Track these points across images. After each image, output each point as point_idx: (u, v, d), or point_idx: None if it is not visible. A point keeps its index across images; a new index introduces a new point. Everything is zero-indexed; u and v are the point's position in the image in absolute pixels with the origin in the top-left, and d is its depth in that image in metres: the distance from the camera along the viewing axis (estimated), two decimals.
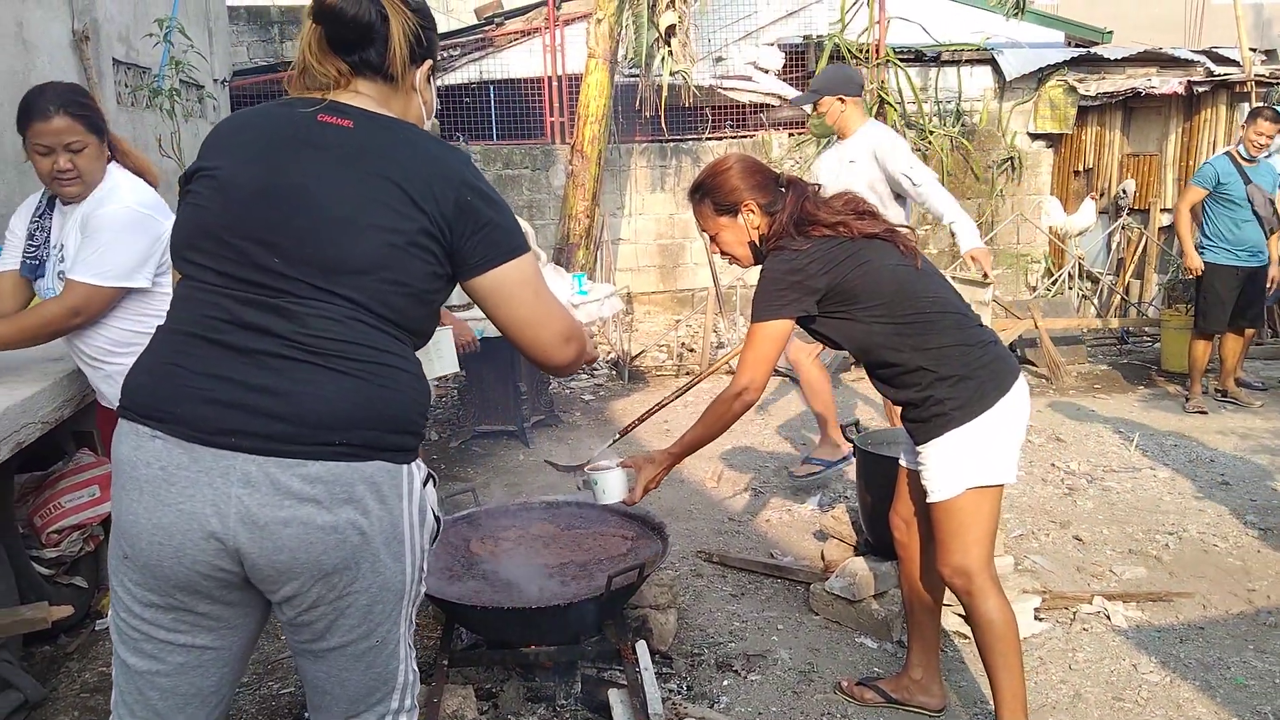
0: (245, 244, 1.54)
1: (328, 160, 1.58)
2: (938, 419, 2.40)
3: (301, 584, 1.54)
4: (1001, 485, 2.44)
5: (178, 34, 6.03)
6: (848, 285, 2.42)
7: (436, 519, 1.70)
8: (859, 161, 4.45)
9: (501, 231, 1.64)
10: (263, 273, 1.54)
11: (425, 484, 1.67)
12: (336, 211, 1.55)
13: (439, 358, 3.20)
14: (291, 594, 1.56)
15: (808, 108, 4.51)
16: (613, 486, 2.64)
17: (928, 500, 2.47)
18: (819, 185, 2.63)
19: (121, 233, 2.77)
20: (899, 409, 2.56)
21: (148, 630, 1.59)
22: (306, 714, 1.76)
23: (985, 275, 4.50)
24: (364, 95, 1.66)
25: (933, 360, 2.40)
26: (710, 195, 2.60)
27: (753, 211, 2.55)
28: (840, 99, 4.49)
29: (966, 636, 3.19)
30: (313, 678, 1.67)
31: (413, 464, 1.63)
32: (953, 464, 2.40)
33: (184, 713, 1.64)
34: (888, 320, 2.42)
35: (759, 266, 2.60)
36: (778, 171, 2.65)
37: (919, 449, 2.48)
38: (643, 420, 3.21)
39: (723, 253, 2.67)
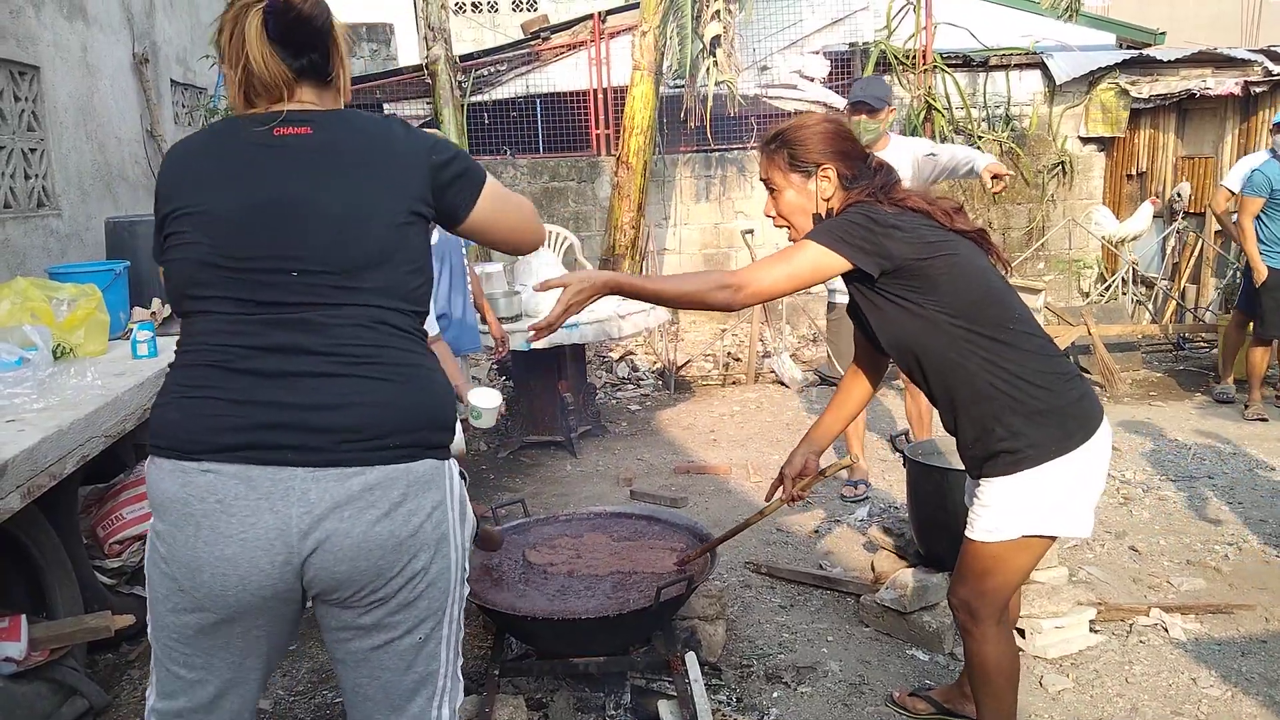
0: (256, 265, 1.56)
1: (302, 166, 1.61)
2: (1007, 455, 2.15)
3: (360, 587, 1.58)
4: (1056, 537, 2.24)
5: None
6: (929, 271, 2.14)
7: (474, 514, 1.78)
8: (901, 170, 4.45)
9: (470, 172, 1.75)
10: (282, 290, 1.56)
11: (462, 479, 1.74)
12: (335, 210, 1.59)
13: (476, 419, 3.30)
14: (349, 597, 1.59)
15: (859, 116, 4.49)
16: (488, 415, 3.17)
17: (966, 534, 2.25)
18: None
19: None
20: (946, 430, 2.33)
21: (191, 656, 1.62)
22: None
23: (1001, 183, 4.44)
24: (306, 103, 1.68)
25: (1007, 383, 2.14)
26: (788, 147, 2.32)
27: (828, 178, 2.29)
28: (891, 110, 4.55)
29: (1020, 650, 3.15)
30: (354, 683, 1.70)
31: (452, 460, 1.70)
32: (1013, 507, 2.16)
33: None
34: (964, 325, 2.14)
35: None
36: (869, 152, 2.40)
37: (979, 482, 2.24)
38: (728, 538, 3.06)
39: (779, 216, 2.38)
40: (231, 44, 1.64)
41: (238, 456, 1.51)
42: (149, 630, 1.67)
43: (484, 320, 4.69)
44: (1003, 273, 2.28)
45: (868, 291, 2.24)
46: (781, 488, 2.63)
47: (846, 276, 2.22)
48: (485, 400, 3.27)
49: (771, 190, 2.38)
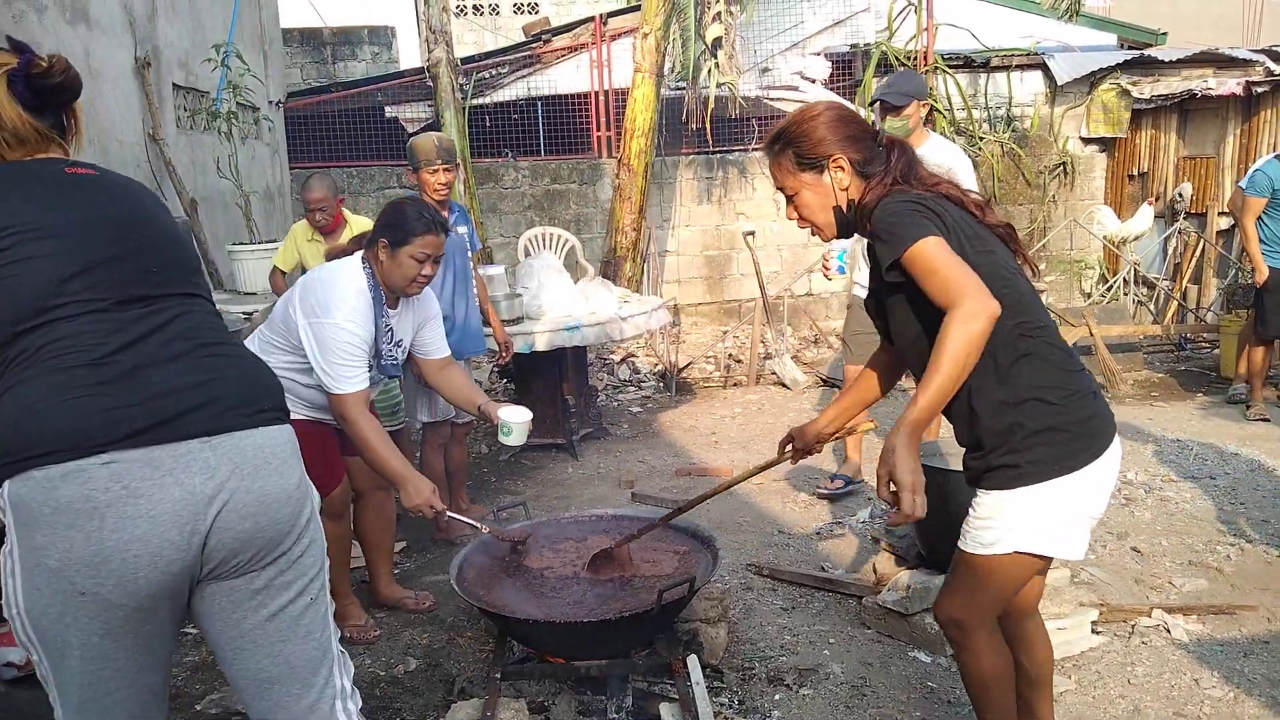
0: (118, 267, 1.68)
1: (103, 195, 1.75)
2: (1008, 470, 2.05)
3: (260, 546, 1.69)
4: (1052, 557, 2.14)
5: (234, 58, 6.19)
6: (969, 265, 1.97)
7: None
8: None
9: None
10: (146, 286, 1.70)
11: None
12: (163, 222, 1.81)
13: (506, 435, 3.35)
14: (247, 560, 1.68)
15: (886, 115, 4.36)
16: (518, 430, 3.30)
17: (960, 545, 2.15)
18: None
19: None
20: (958, 440, 2.20)
21: (105, 655, 1.62)
22: None
23: None
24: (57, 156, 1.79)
25: (1019, 395, 2.03)
26: (793, 145, 2.17)
27: (841, 169, 2.14)
28: (924, 104, 4.36)
29: None
30: (255, 671, 1.76)
31: None
32: (1009, 521, 2.07)
33: (144, 710, 1.70)
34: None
35: (841, 242, 2.31)
36: (877, 129, 2.25)
37: (976, 493, 2.14)
38: (693, 505, 3.06)
39: (801, 218, 2.24)
40: None
41: (139, 441, 1.56)
42: (41, 675, 1.64)
43: (488, 323, 4.68)
44: (1029, 275, 2.16)
45: (896, 286, 2.08)
46: (791, 445, 2.59)
47: (887, 269, 2.05)
48: (515, 416, 3.32)
49: (789, 197, 2.24)
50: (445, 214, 3.95)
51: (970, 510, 2.14)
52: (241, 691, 1.80)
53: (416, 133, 8.02)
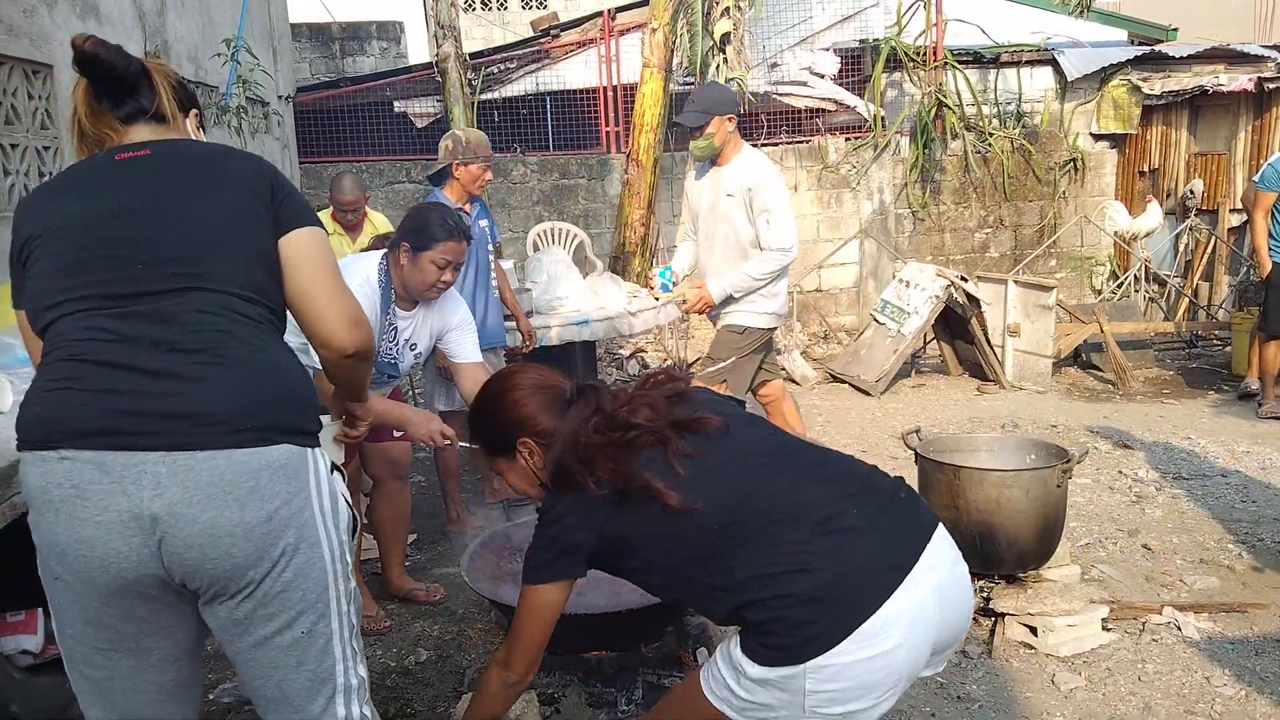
0: (102, 263, 1.63)
1: (139, 177, 1.69)
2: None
3: (217, 577, 1.58)
4: None
5: (244, 53, 6.20)
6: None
7: (350, 508, 1.75)
8: (736, 196, 4.14)
9: (300, 202, 1.79)
10: (129, 283, 1.62)
11: (332, 471, 1.72)
12: (177, 205, 1.67)
13: None
14: (214, 588, 1.60)
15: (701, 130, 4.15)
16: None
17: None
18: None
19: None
20: None
21: (93, 642, 1.63)
22: None
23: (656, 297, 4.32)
24: (144, 139, 1.76)
25: None
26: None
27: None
28: (729, 119, 4.12)
29: (1032, 648, 3.15)
30: (253, 687, 1.72)
31: (317, 450, 1.69)
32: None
33: (152, 708, 1.70)
34: None
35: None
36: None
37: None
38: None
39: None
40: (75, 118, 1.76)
41: (93, 443, 1.54)
42: (56, 637, 1.69)
43: (511, 316, 4.74)
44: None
45: None
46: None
47: None
48: None
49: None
50: (471, 208, 4.20)
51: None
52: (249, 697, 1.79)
53: (427, 127, 8.00)
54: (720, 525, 1.74)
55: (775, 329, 4.46)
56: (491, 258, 4.52)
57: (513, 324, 4.72)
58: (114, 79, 1.72)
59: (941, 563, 1.78)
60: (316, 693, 1.70)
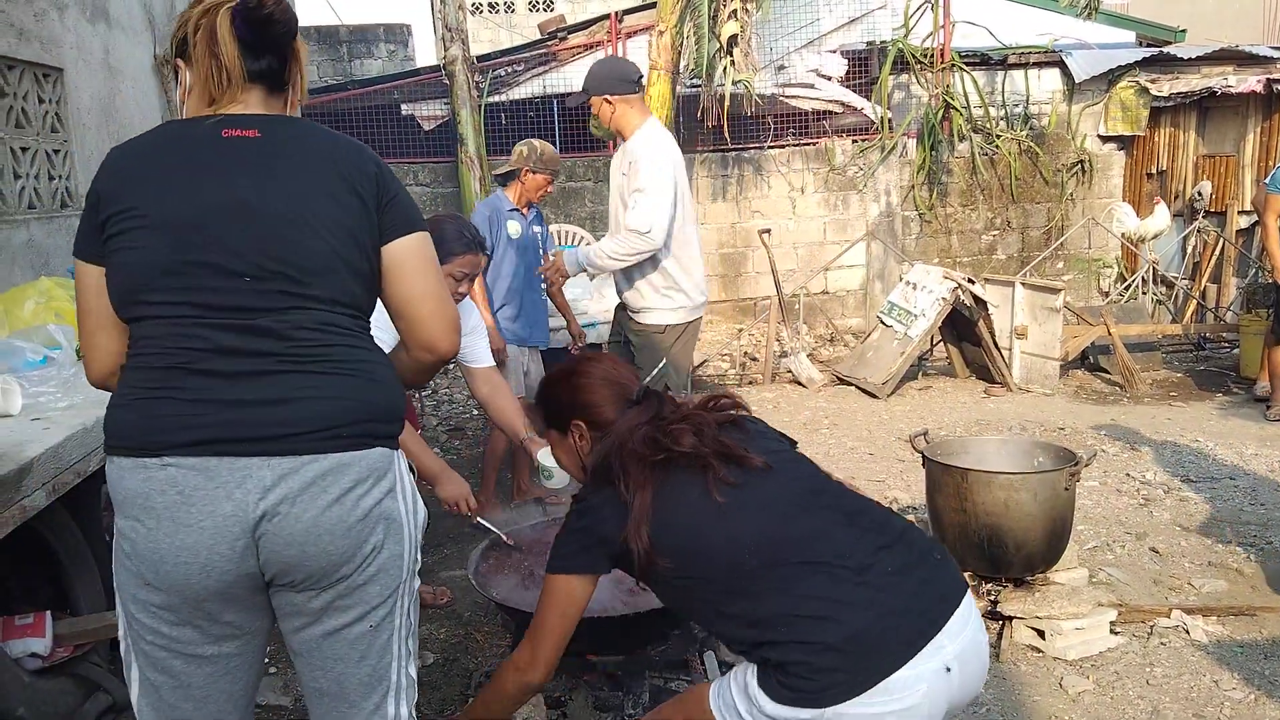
0: (207, 271, 1.58)
1: (249, 169, 1.62)
2: None
3: (310, 572, 1.61)
4: None
5: None
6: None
7: (426, 508, 1.81)
8: (624, 175, 4.02)
9: (406, 204, 1.76)
10: (235, 295, 1.59)
11: (411, 471, 1.77)
12: (286, 213, 1.61)
13: (547, 479, 3.25)
14: (302, 581, 1.62)
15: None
16: (561, 474, 2.71)
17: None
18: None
19: None
20: None
21: (177, 648, 1.64)
22: None
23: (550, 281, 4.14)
24: (254, 108, 1.69)
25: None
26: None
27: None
28: (607, 99, 3.91)
29: (1040, 651, 3.14)
30: (310, 679, 1.73)
31: (400, 452, 1.74)
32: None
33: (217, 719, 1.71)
34: None
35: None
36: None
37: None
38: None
39: None
40: (198, 42, 1.65)
41: (197, 450, 1.55)
42: (120, 632, 1.69)
43: (561, 314, 4.91)
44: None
45: None
46: None
47: None
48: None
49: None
50: (529, 212, 4.61)
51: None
52: (302, 689, 1.79)
53: (435, 130, 8.10)
54: (749, 558, 1.77)
55: (698, 319, 4.28)
56: (542, 251, 4.74)
57: (562, 325, 4.92)
58: (273, 30, 1.64)
59: (966, 630, 1.80)
60: (372, 689, 1.73)
